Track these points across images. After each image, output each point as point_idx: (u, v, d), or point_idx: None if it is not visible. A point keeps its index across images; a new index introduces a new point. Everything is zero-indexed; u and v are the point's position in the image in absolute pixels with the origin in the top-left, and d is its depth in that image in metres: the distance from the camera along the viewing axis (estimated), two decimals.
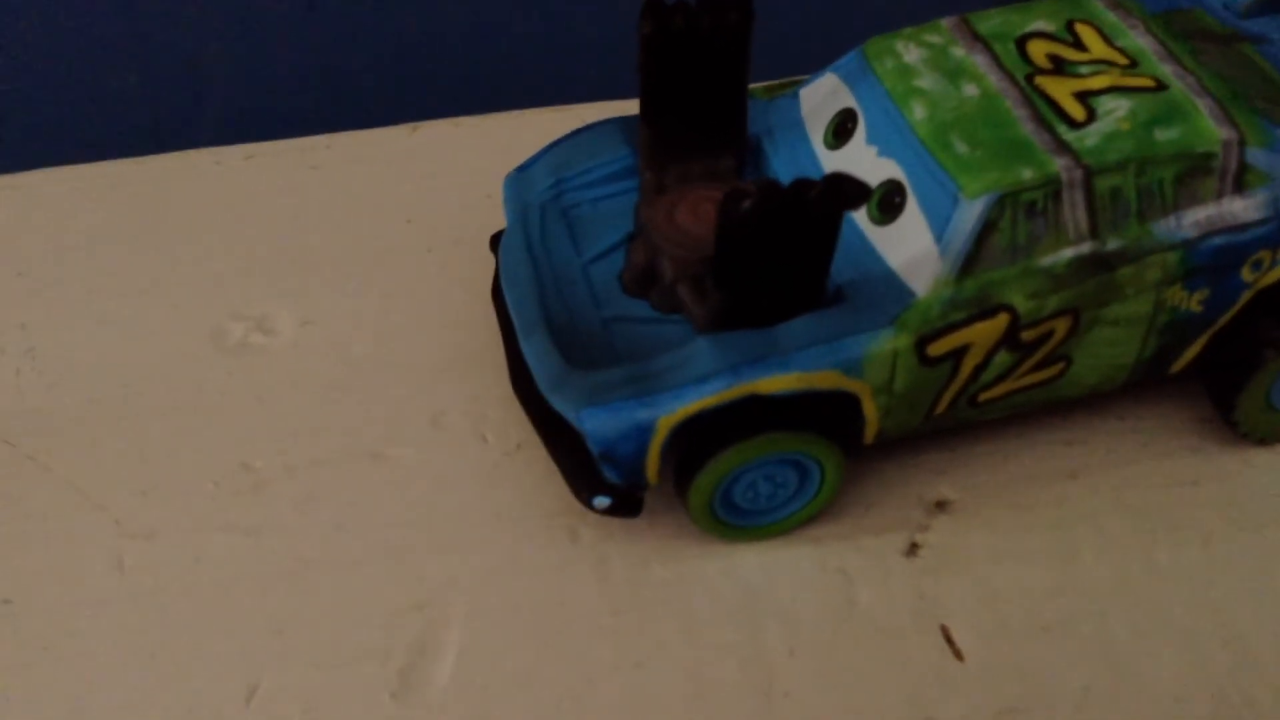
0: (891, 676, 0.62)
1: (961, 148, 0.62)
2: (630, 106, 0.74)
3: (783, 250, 0.59)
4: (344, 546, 0.67)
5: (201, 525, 0.69)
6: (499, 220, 0.77)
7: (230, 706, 0.61)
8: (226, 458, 0.71)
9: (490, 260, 0.77)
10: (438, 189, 0.86)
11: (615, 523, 0.68)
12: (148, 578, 0.66)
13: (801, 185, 0.57)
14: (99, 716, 0.61)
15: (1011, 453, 0.71)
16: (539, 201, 0.72)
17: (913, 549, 0.66)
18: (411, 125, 0.92)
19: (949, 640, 0.63)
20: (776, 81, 0.75)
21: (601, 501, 0.64)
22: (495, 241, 0.76)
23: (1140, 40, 0.68)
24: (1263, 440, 0.71)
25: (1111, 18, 0.69)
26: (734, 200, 0.57)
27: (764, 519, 0.67)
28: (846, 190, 0.57)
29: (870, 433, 0.65)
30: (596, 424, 0.61)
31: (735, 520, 0.66)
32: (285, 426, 0.73)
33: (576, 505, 0.67)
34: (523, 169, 0.74)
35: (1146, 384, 0.71)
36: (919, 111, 0.65)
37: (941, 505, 0.68)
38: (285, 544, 0.68)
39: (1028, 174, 0.61)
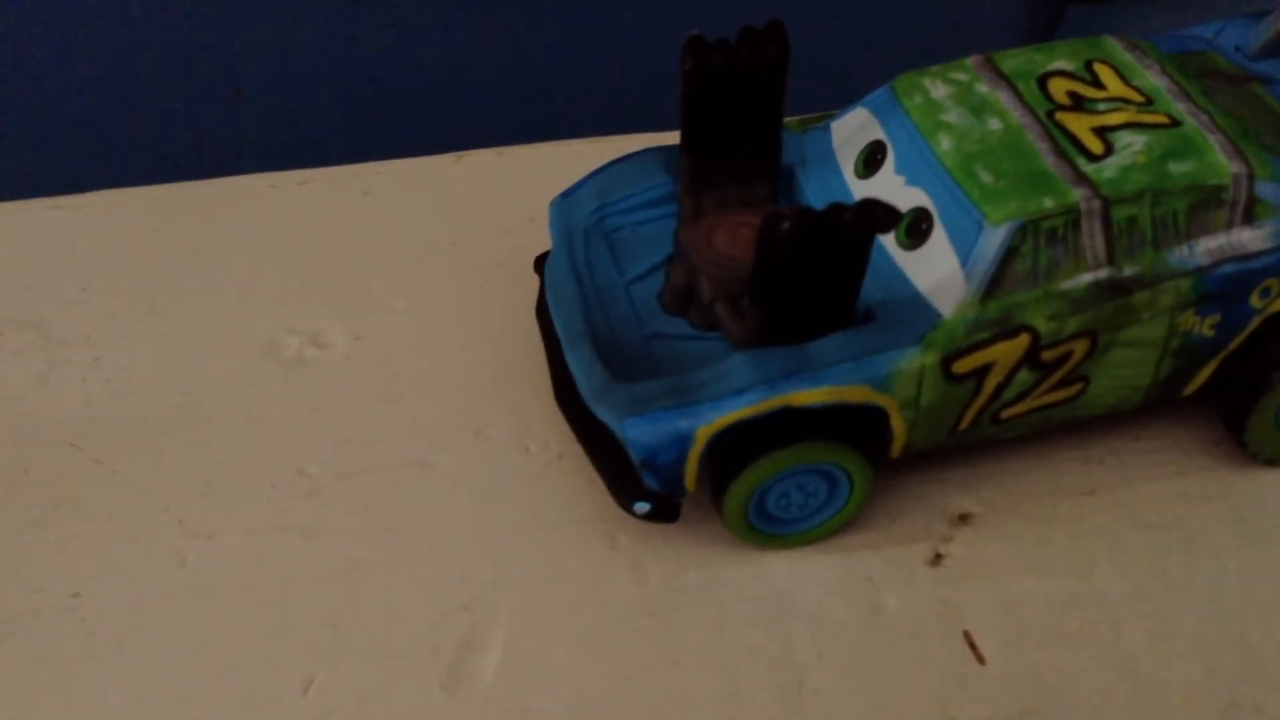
0: (916, 678, 0.65)
1: (986, 177, 0.66)
2: (667, 137, 0.78)
3: (817, 271, 0.63)
4: (394, 548, 0.71)
5: (260, 526, 0.72)
6: (540, 244, 0.81)
7: (288, 696, 0.65)
8: (283, 463, 0.75)
9: (531, 281, 0.81)
10: (481, 214, 0.90)
11: (652, 529, 0.71)
12: (209, 575, 0.70)
13: (836, 209, 0.61)
14: (163, 705, 0.65)
15: (1031, 469, 0.74)
16: (583, 225, 0.76)
17: (936, 559, 0.70)
18: (457, 154, 0.96)
19: (971, 645, 0.66)
20: (809, 115, 0.79)
21: (642, 507, 0.67)
22: (539, 263, 0.80)
23: (1156, 80, 0.72)
24: (1271, 461, 0.74)
25: (1128, 58, 0.73)
26: (772, 222, 0.60)
27: (795, 527, 0.70)
28: (878, 214, 0.61)
29: (897, 446, 0.68)
30: (638, 433, 0.64)
31: (768, 528, 0.70)
32: (338, 435, 0.77)
33: (615, 512, 0.71)
34: (568, 194, 0.78)
35: (1161, 406, 0.74)
36: (945, 143, 0.68)
37: (964, 518, 0.72)
38: (338, 545, 0.71)
39: (1049, 203, 0.65)
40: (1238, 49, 0.79)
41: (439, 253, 0.88)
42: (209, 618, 0.68)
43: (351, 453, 0.76)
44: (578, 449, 0.74)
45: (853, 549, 0.70)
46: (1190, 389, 0.72)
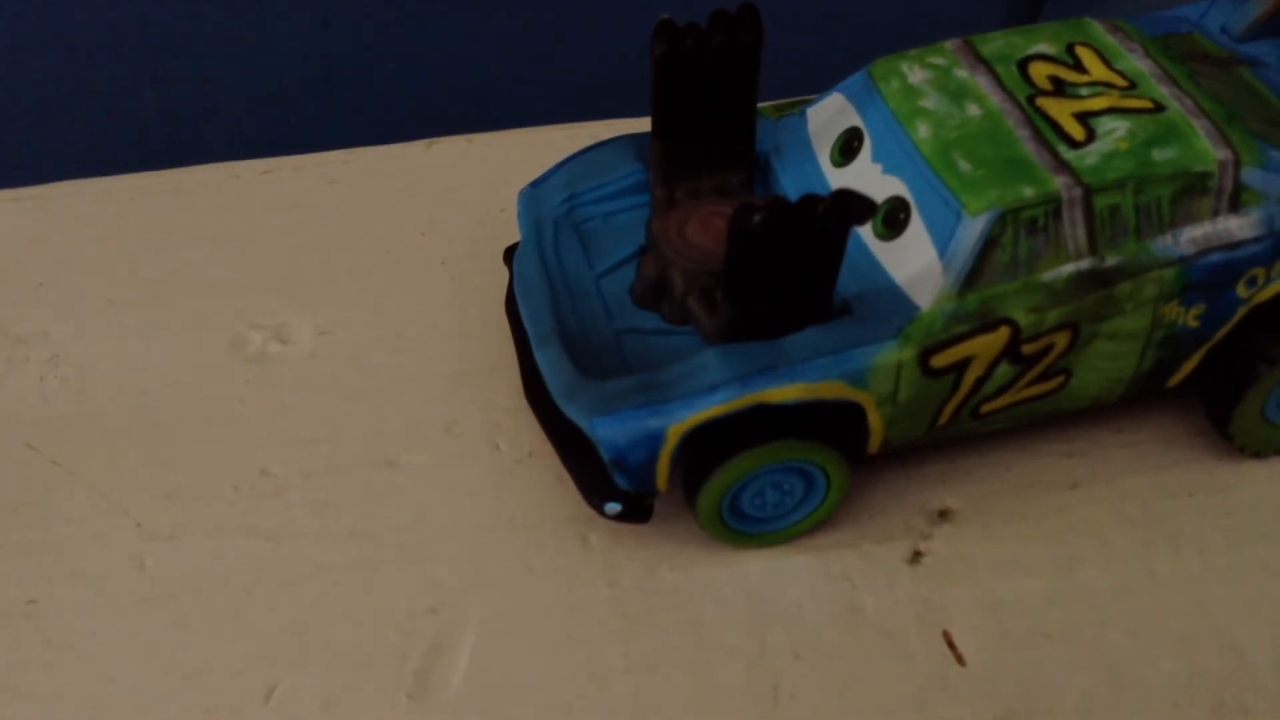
0: (895, 680, 0.63)
1: (964, 166, 0.64)
2: (640, 124, 0.76)
3: (791, 264, 0.61)
4: (360, 551, 0.69)
5: (221, 529, 0.70)
6: (511, 234, 0.79)
7: (249, 705, 0.63)
8: (246, 463, 0.73)
9: (503, 273, 0.79)
10: (452, 203, 0.88)
11: (625, 529, 0.69)
12: (168, 580, 0.68)
13: (810, 200, 0.59)
14: (120, 715, 0.63)
15: (1013, 463, 0.72)
16: (552, 216, 0.74)
17: (916, 556, 0.68)
18: (427, 141, 0.94)
19: (951, 646, 0.64)
20: (784, 101, 0.77)
21: (613, 507, 0.65)
22: (509, 254, 0.78)
23: (1139, 63, 0.70)
24: (1257, 453, 0.73)
25: (1111, 41, 0.71)
26: (745, 214, 0.58)
27: (771, 526, 0.69)
28: (853, 206, 0.59)
29: (875, 442, 0.67)
30: (608, 432, 0.62)
31: (742, 527, 0.68)
32: (303, 434, 0.75)
33: (587, 512, 0.69)
34: (537, 184, 0.76)
35: (1145, 399, 0.72)
36: (923, 130, 0.66)
37: (944, 514, 0.70)
38: (303, 548, 0.69)
39: (1029, 191, 0.63)
40: (1223, 30, 0.77)
41: (408, 244, 0.86)
42: (168, 624, 0.66)
43: (317, 452, 0.74)
44: (549, 447, 0.72)
45: (830, 547, 0.69)
46: (1174, 381, 0.70)
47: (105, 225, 0.88)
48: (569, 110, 0.95)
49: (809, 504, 0.68)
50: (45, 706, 0.63)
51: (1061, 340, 0.65)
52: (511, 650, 0.65)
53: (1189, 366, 0.70)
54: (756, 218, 0.58)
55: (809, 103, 0.75)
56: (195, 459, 0.73)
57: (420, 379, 0.78)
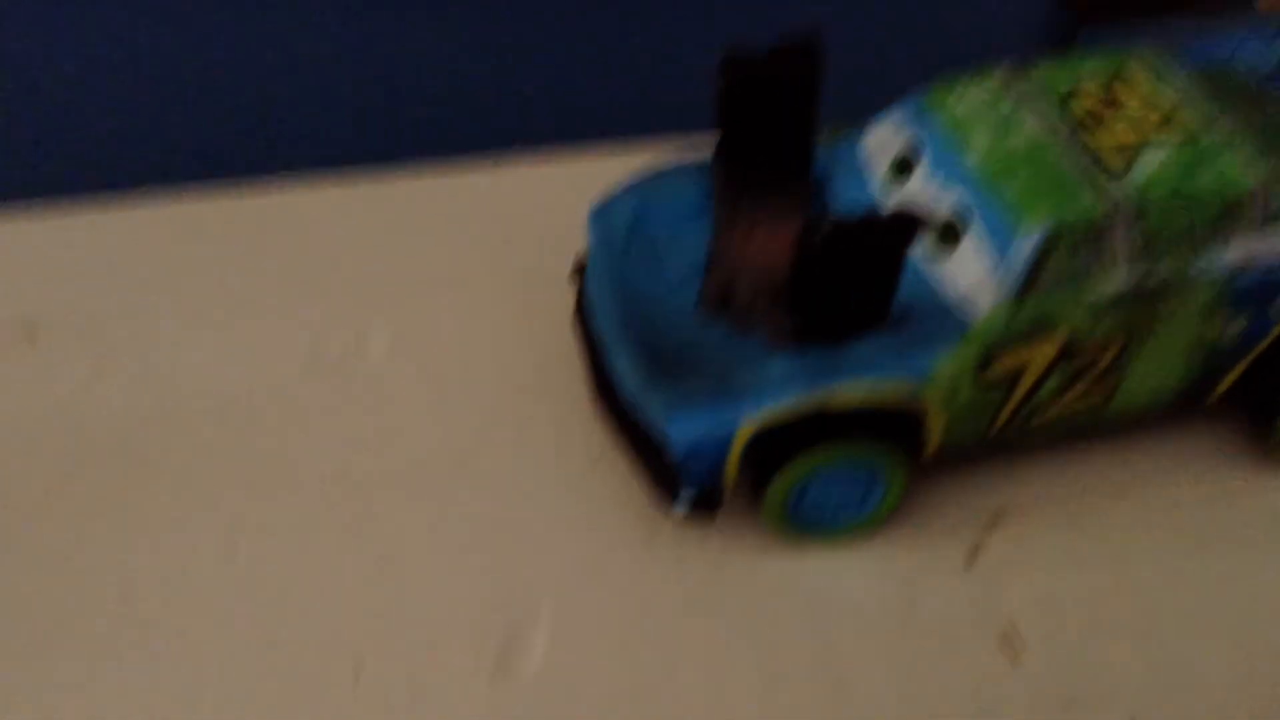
0: (956, 672, 0.66)
1: (1018, 185, 0.68)
2: (704, 140, 0.79)
3: (853, 277, 0.65)
4: (438, 543, 0.72)
5: (307, 523, 0.73)
6: (579, 249, 0.83)
7: (339, 686, 0.66)
8: (329, 462, 0.76)
9: (568, 288, 0.82)
10: (522, 219, 0.92)
11: (692, 526, 0.73)
12: (259, 569, 0.71)
13: (869, 218, 0.63)
14: (217, 699, 0.66)
15: (1064, 467, 0.75)
16: (621, 234, 0.78)
17: (972, 555, 0.71)
18: (495, 160, 0.98)
19: (1010, 641, 0.67)
20: (836, 126, 0.82)
21: (682, 506, 0.69)
22: (576, 271, 0.82)
23: (1176, 96, 0.74)
24: None
25: (1148, 74, 0.76)
26: (809, 232, 0.62)
27: (832, 524, 0.72)
28: (912, 221, 0.63)
29: (931, 446, 0.70)
30: (679, 431, 0.66)
31: (805, 524, 0.71)
32: (381, 435, 0.78)
33: (655, 511, 0.72)
34: (605, 204, 0.80)
35: (1188, 412, 0.76)
36: (975, 155, 0.70)
37: (998, 515, 0.73)
38: (384, 540, 0.72)
39: (1081, 208, 0.67)
40: (1254, 67, 0.81)
41: (479, 257, 0.89)
42: (260, 611, 0.69)
43: (394, 452, 0.77)
44: (615, 453, 0.76)
45: (887, 545, 0.72)
46: (1218, 392, 0.74)
47: (187, 239, 0.92)
48: (639, 127, 0.99)
49: (870, 503, 0.71)
50: (144, 693, 0.66)
51: (1110, 352, 0.69)
52: (586, 637, 0.68)
53: (1231, 378, 0.73)
54: (819, 236, 0.62)
55: (860, 129, 0.80)
56: (280, 458, 0.77)
57: (491, 386, 0.81)
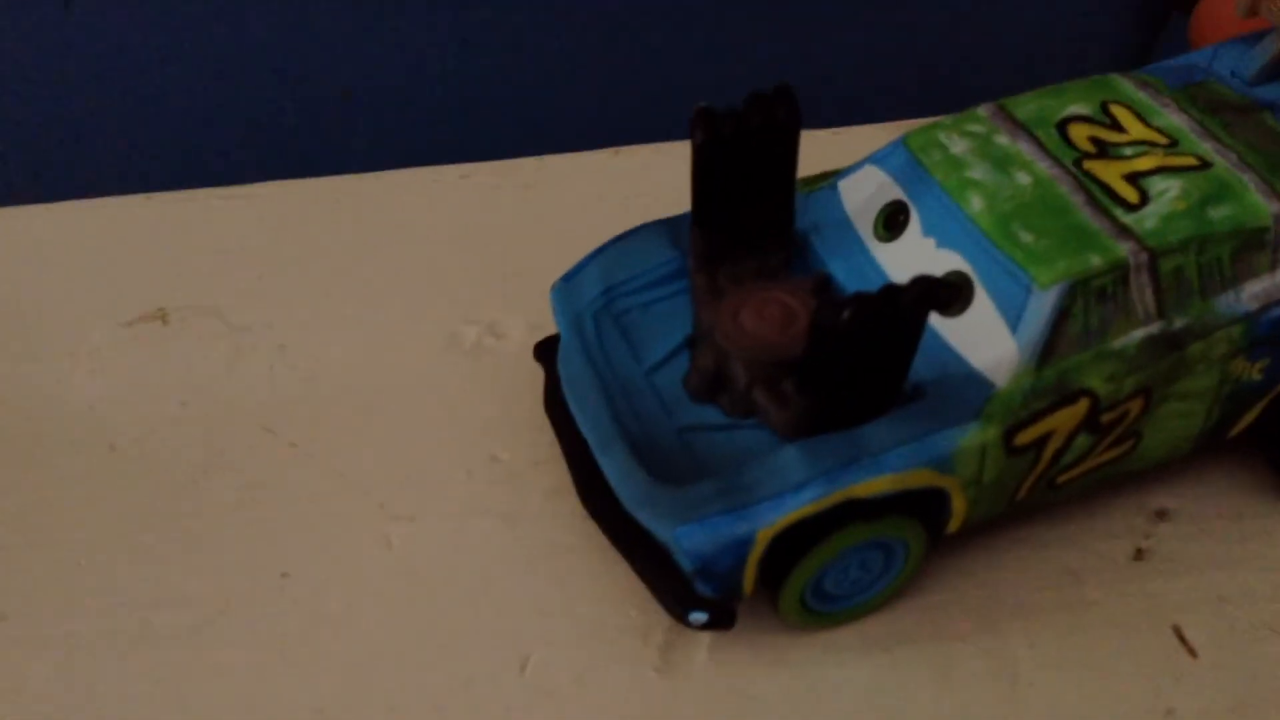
0: (1129, 669, 0.65)
1: (1026, 237, 0.63)
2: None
3: (871, 355, 0.59)
4: (593, 533, 0.70)
5: (460, 510, 0.73)
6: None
7: (506, 675, 0.65)
8: (475, 449, 0.75)
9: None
10: (639, 208, 0.89)
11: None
12: (415, 557, 0.70)
13: (892, 291, 0.57)
14: (382, 684, 0.65)
15: (1226, 467, 0.74)
16: (591, 310, 0.71)
17: (1139, 554, 0.70)
18: (614, 150, 0.97)
19: (1181, 638, 0.66)
20: (813, 175, 0.76)
21: (698, 617, 0.62)
22: (539, 350, 0.75)
23: (1174, 118, 0.70)
24: None
25: (1142, 96, 0.71)
26: (829, 311, 0.56)
27: (851, 602, 0.67)
28: (938, 293, 0.57)
29: (956, 523, 0.65)
30: (693, 542, 0.60)
31: (824, 607, 0.66)
32: (524, 423, 0.76)
33: None
34: (569, 277, 0.73)
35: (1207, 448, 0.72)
36: (976, 203, 0.65)
37: (1162, 514, 0.72)
38: (538, 529, 0.71)
39: (1096, 260, 0.62)
40: (1234, 74, 0.78)
41: (600, 243, 0.84)
42: (419, 598, 0.69)
43: (541, 440, 0.75)
44: None
45: (1052, 544, 0.71)
46: (1235, 431, 0.70)
47: (313, 223, 0.91)
48: None
49: (888, 575, 0.66)
50: (307, 676, 0.65)
51: (1136, 405, 0.64)
52: (752, 631, 0.67)
53: (1251, 416, 0.69)
54: (845, 314, 0.56)
55: (839, 175, 0.74)
56: (426, 445, 0.76)
57: None
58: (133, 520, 0.73)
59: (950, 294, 0.57)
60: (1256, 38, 0.79)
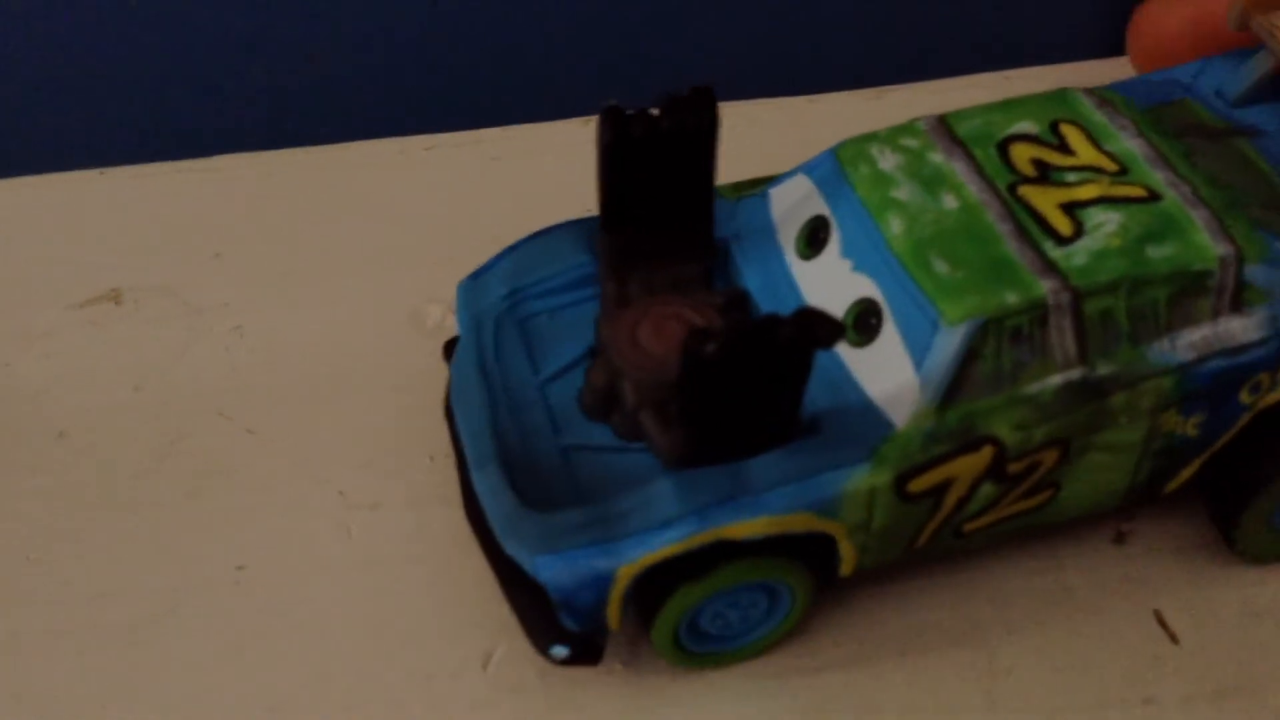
0: (1108, 656, 0.64)
1: (941, 267, 0.58)
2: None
3: (750, 387, 0.55)
4: None
5: (422, 498, 0.70)
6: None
7: (468, 670, 0.63)
8: (439, 433, 0.71)
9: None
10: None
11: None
12: (376, 547, 0.68)
13: (770, 322, 0.53)
14: (340, 680, 0.63)
15: None
16: (493, 313, 0.68)
17: (1120, 537, 0.68)
18: (584, 119, 0.94)
19: (1162, 624, 0.65)
20: (743, 180, 0.71)
21: (559, 651, 0.59)
22: (448, 350, 0.72)
23: (1130, 144, 0.64)
24: (1258, 560, 0.67)
25: (1099, 117, 0.65)
26: (697, 340, 0.52)
27: (733, 644, 0.63)
28: (818, 330, 0.53)
29: (847, 569, 0.61)
30: (553, 573, 0.56)
31: (701, 648, 0.62)
32: None
33: None
34: (476, 276, 0.70)
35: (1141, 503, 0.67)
36: (895, 226, 0.60)
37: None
38: None
39: (1012, 298, 0.57)
40: (1218, 94, 0.72)
41: (571, 218, 0.81)
42: (380, 590, 0.67)
43: None
44: None
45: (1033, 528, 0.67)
46: (1171, 488, 0.65)
47: (273, 197, 0.89)
48: (739, 88, 0.91)
49: (773, 619, 0.62)
50: (262, 672, 0.63)
51: (1050, 456, 0.59)
52: None
53: (1187, 473, 0.64)
54: (710, 346, 0.52)
55: (771, 182, 0.69)
56: (388, 429, 0.73)
57: None
58: (82, 510, 0.71)
59: (833, 331, 0.53)
60: (1246, 54, 0.73)
